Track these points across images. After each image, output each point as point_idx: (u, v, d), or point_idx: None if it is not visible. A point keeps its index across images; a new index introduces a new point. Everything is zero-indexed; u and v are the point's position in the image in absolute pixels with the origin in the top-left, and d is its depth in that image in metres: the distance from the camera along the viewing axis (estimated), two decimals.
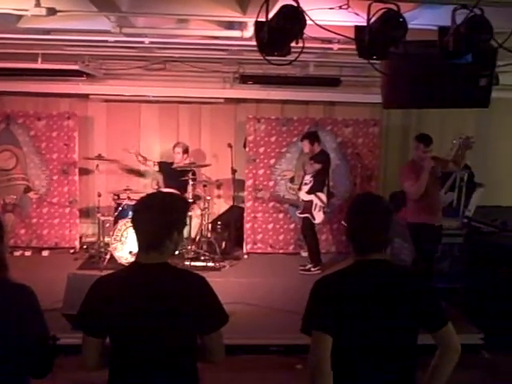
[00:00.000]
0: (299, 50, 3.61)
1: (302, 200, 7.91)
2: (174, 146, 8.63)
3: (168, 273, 2.46)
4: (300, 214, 8.01)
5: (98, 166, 8.37)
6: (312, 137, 7.88)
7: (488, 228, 7.05)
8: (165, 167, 8.69)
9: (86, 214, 9.28)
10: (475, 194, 8.11)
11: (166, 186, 8.21)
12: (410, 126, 9.56)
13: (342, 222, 2.61)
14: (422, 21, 4.61)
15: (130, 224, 7.28)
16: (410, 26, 3.59)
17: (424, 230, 6.02)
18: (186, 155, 8.60)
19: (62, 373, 3.10)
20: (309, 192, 7.79)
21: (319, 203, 7.74)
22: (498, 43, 3.68)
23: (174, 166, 8.43)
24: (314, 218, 7.79)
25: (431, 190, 5.98)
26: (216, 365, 2.55)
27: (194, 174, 8.20)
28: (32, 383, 2.51)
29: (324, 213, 7.79)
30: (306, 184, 7.85)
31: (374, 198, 2.64)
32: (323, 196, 7.77)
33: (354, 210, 2.54)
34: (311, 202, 7.76)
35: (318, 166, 7.65)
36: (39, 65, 7.46)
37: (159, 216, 2.41)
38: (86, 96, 9.08)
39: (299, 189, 8.05)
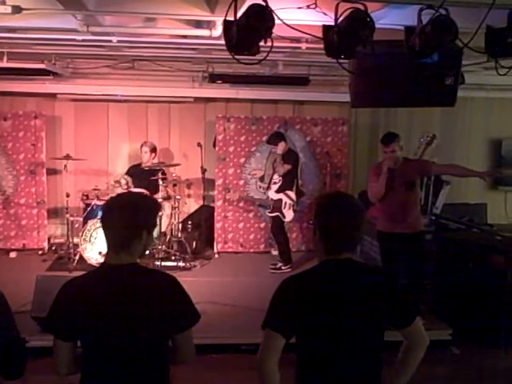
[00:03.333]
0: (268, 49, 3.62)
1: (272, 199, 7.95)
2: (141, 146, 8.59)
3: (138, 273, 2.44)
4: (270, 213, 8.03)
5: (66, 166, 8.26)
6: (283, 137, 7.93)
7: (455, 225, 7.16)
8: (133, 169, 8.64)
9: (54, 214, 9.17)
10: (442, 191, 8.23)
11: (136, 187, 8.16)
12: (378, 124, 9.65)
13: (310, 222, 2.54)
14: (388, 20, 4.66)
15: (99, 224, 7.22)
16: (377, 26, 3.63)
17: (380, 239, 6.01)
18: (153, 154, 8.58)
19: (31, 375, 3.06)
20: (278, 191, 7.82)
21: (288, 201, 7.78)
22: (463, 43, 3.74)
23: (143, 165, 8.39)
24: (284, 217, 7.83)
25: (390, 194, 5.63)
26: (186, 365, 2.54)
27: (163, 173, 8.17)
28: None
29: (294, 211, 7.83)
30: (275, 183, 7.89)
31: (347, 197, 2.58)
32: (292, 194, 7.80)
33: (327, 209, 2.47)
34: (280, 200, 7.80)
35: (288, 167, 7.69)
36: (4, 64, 7.34)
37: (129, 216, 2.39)
38: (53, 95, 8.96)
39: (268, 188, 8.08)
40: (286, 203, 7.78)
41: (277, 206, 7.84)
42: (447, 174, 6.39)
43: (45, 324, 2.53)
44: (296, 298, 2.37)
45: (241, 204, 9.00)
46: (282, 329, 2.36)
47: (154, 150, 8.59)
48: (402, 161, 5.72)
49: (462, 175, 6.10)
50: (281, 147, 7.76)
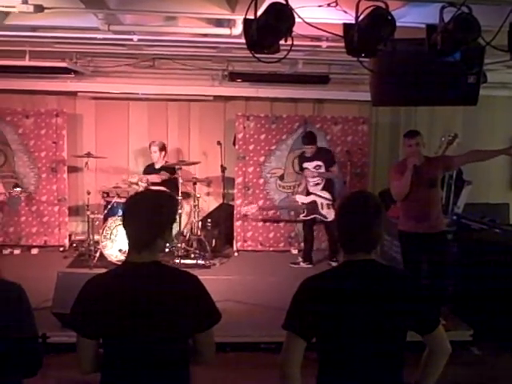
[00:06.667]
0: (288, 47, 3.61)
1: (302, 203, 7.93)
2: (150, 146, 8.54)
3: (161, 272, 2.45)
4: (305, 217, 7.98)
5: (87, 163, 8.33)
6: (315, 140, 7.91)
7: (477, 225, 7.08)
8: (148, 169, 8.62)
9: (75, 211, 9.23)
10: (464, 191, 8.15)
11: (154, 185, 8.16)
12: (399, 123, 9.59)
13: None
14: (410, 19, 4.63)
15: (119, 222, 7.26)
16: (398, 24, 3.61)
17: (401, 239, 5.89)
18: (163, 153, 8.50)
19: (52, 371, 3.09)
20: (308, 193, 7.84)
21: (325, 201, 7.75)
22: (485, 41, 3.71)
23: (158, 166, 8.38)
24: (325, 218, 7.77)
25: (413, 192, 5.51)
26: (206, 365, 2.54)
27: (173, 172, 8.12)
28: (24, 383, 2.48)
29: (334, 207, 7.66)
30: (317, 184, 7.85)
31: (364, 196, 2.52)
32: (325, 193, 7.78)
33: (344, 209, 2.47)
34: (314, 202, 7.78)
35: (335, 168, 7.89)
36: (27, 62, 7.41)
37: (149, 215, 2.39)
38: (74, 93, 9.03)
39: (299, 192, 8.10)
40: (322, 204, 7.75)
41: (311, 208, 7.81)
42: (471, 162, 6.27)
43: (67, 321, 2.54)
44: (315, 299, 2.35)
45: (260, 202, 8.98)
46: (302, 331, 2.34)
47: (162, 148, 8.50)
48: (424, 159, 5.65)
49: (486, 158, 6.03)
50: (311, 150, 7.77)
